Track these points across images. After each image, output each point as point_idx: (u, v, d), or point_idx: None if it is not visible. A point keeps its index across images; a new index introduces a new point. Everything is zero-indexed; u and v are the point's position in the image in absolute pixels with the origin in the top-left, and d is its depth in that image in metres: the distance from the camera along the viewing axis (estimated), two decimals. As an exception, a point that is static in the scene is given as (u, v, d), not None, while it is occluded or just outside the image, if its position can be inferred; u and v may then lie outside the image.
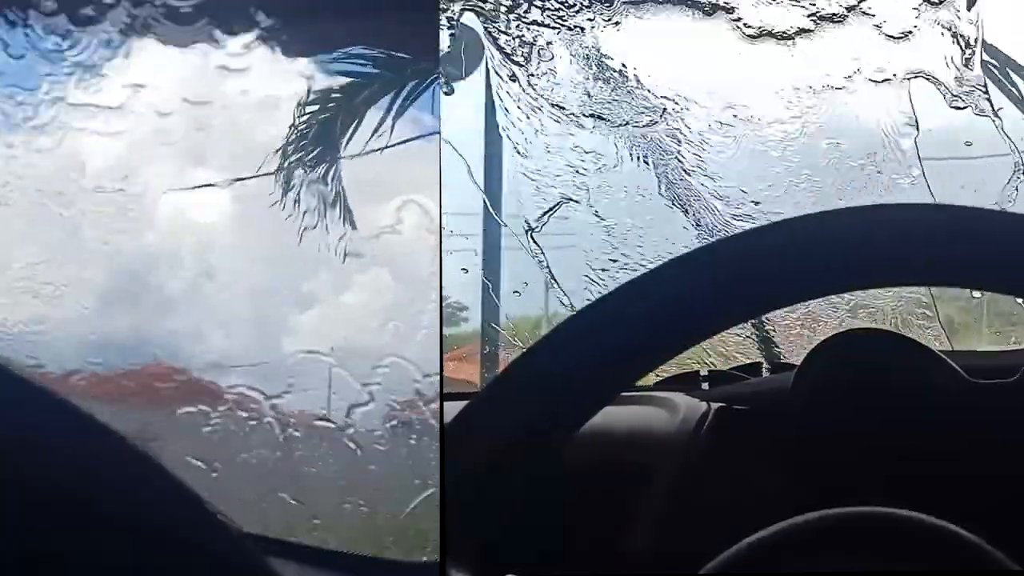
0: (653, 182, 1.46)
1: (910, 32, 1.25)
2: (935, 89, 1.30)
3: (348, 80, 0.94)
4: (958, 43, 1.26)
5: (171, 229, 0.89)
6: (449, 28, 1.40)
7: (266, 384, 0.82)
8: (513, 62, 1.31)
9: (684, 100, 1.38)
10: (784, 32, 1.27)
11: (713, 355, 1.42)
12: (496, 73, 1.39)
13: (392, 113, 0.92)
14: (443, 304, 1.38)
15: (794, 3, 1.26)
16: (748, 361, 1.41)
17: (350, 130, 0.94)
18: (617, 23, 1.32)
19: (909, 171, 1.36)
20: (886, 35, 1.26)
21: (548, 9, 1.31)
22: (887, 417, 1.02)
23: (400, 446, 0.78)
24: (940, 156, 1.38)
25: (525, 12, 1.27)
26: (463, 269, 1.60)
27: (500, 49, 1.29)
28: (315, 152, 0.94)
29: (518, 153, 1.42)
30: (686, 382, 1.29)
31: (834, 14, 1.25)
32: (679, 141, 1.40)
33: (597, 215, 1.48)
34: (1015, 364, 1.01)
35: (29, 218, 0.86)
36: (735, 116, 1.38)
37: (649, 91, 1.39)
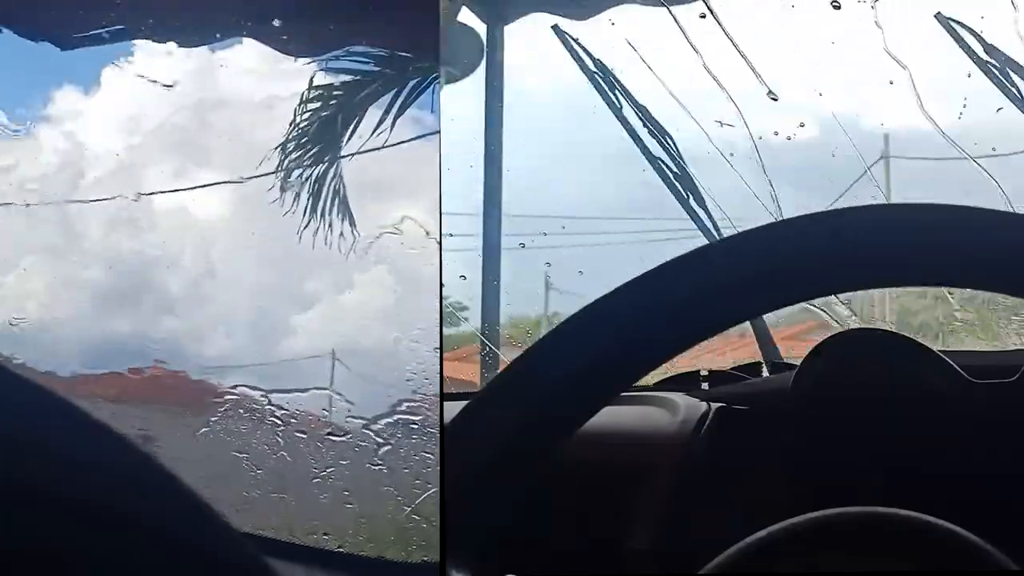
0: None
1: None
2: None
3: (348, 79, 0.94)
4: None
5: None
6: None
7: (267, 383, 0.82)
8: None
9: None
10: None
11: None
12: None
13: (392, 112, 0.92)
14: (443, 304, 1.38)
15: None
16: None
17: (350, 130, 0.94)
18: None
19: None
20: None
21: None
22: (886, 416, 1.02)
23: (400, 446, 0.78)
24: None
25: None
26: (462, 276, 1.59)
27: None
28: (315, 152, 0.94)
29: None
30: (686, 382, 1.29)
31: None
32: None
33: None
34: (1015, 364, 1.01)
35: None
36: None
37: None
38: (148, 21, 0.88)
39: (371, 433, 0.79)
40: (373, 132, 0.91)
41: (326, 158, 0.93)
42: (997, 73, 1.32)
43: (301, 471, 0.81)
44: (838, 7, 1.31)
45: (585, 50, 1.45)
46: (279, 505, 0.81)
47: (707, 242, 1.37)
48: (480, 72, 1.59)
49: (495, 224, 1.61)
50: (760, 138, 1.47)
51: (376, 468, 0.79)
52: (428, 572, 0.72)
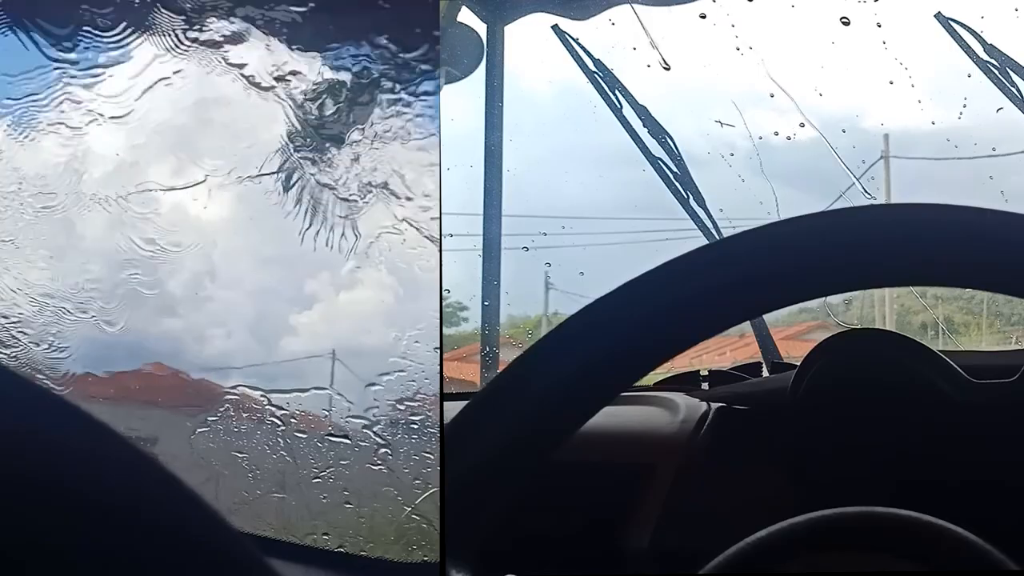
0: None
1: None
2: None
3: (348, 79, 0.94)
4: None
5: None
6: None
7: (267, 383, 0.82)
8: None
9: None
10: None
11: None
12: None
13: (392, 113, 0.92)
14: (443, 304, 1.38)
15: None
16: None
17: (350, 130, 0.94)
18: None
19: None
20: None
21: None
22: (886, 416, 1.02)
23: (400, 446, 0.78)
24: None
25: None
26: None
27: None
28: (315, 152, 0.94)
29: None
30: (686, 382, 1.29)
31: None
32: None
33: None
34: (1015, 364, 1.01)
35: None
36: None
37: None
38: (148, 19, 0.88)
39: (371, 433, 0.79)
40: (373, 132, 0.91)
41: (326, 158, 0.93)
42: (997, 73, 1.32)
43: (301, 471, 0.81)
44: (847, 23, 1.31)
45: (585, 50, 1.46)
46: (279, 505, 0.81)
47: (707, 242, 1.37)
48: (480, 72, 1.59)
49: (495, 224, 1.61)
50: (760, 138, 1.48)
51: (376, 468, 0.79)
52: (428, 572, 0.72)
